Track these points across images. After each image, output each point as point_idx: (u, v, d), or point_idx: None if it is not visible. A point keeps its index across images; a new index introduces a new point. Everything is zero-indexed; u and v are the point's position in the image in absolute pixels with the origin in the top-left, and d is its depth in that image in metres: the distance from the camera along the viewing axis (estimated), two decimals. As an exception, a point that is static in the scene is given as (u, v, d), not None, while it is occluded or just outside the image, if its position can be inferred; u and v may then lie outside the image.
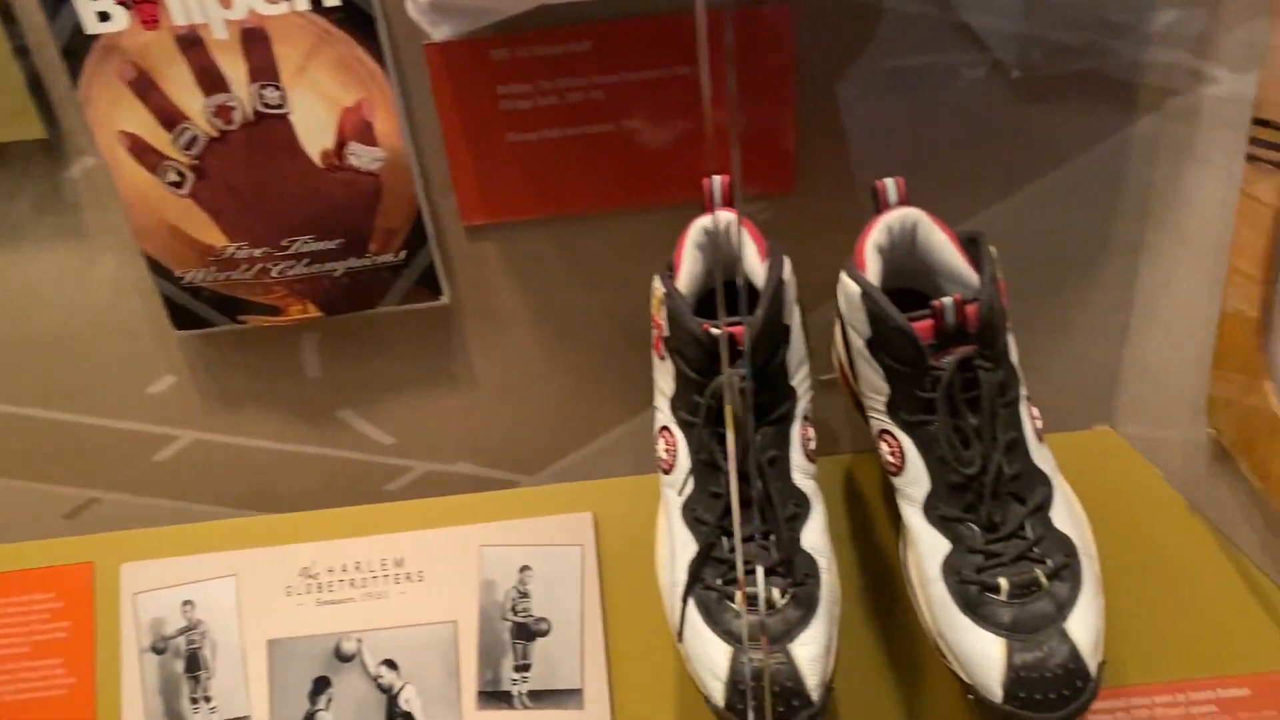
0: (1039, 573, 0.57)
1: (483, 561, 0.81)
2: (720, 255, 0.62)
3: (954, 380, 0.57)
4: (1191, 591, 0.79)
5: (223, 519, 0.85)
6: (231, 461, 0.84)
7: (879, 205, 0.63)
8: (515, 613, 0.80)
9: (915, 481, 0.61)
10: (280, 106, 0.69)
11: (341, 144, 0.70)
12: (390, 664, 0.79)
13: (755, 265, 0.61)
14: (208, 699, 0.79)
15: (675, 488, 0.62)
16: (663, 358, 0.62)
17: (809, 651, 0.57)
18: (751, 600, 0.58)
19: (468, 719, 0.78)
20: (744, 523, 0.59)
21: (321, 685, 0.79)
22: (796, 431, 0.61)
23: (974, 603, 0.57)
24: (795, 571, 0.58)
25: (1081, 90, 0.69)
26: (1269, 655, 0.77)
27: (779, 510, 0.58)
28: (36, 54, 0.68)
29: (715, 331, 0.57)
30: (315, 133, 0.70)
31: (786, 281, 0.58)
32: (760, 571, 0.57)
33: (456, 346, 0.78)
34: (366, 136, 0.70)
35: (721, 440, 0.59)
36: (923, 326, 0.57)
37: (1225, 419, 0.74)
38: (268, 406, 0.82)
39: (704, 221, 0.61)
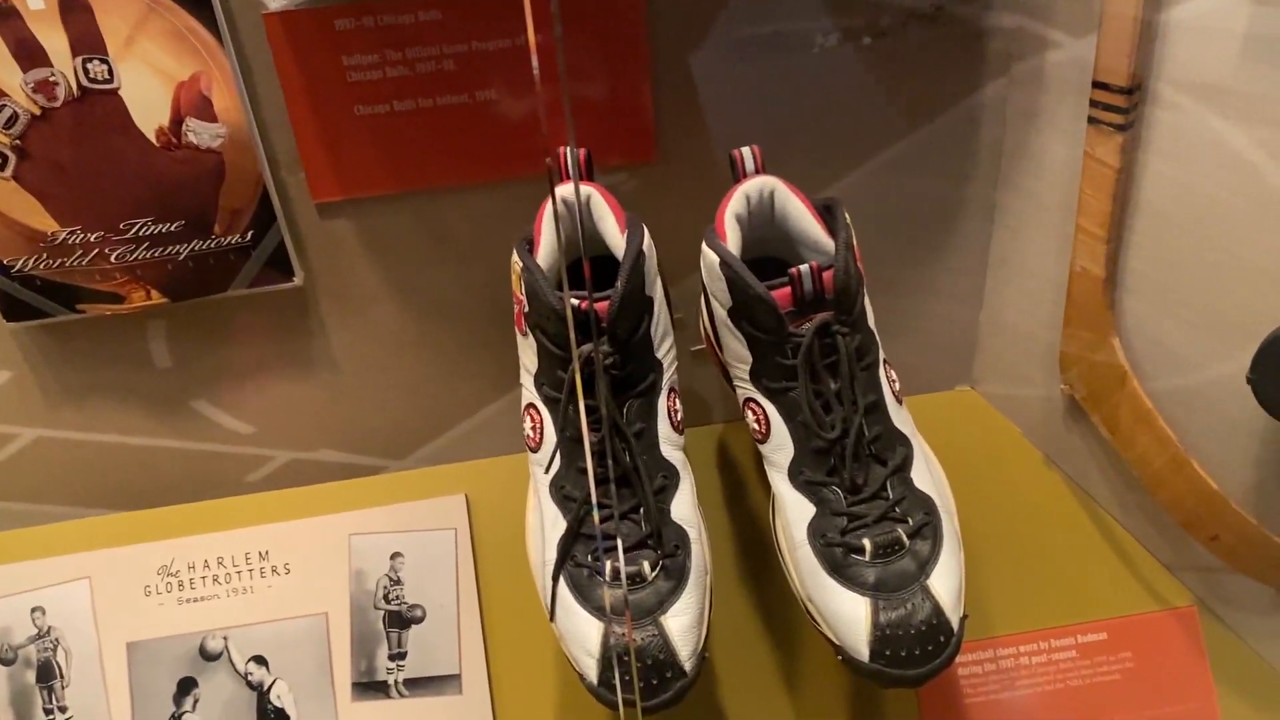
0: (901, 532, 0.58)
1: (352, 550, 0.79)
2: (578, 227, 0.61)
3: (813, 346, 0.58)
4: (1051, 543, 0.82)
5: (74, 519, 0.81)
6: (80, 459, 0.79)
7: (737, 174, 0.62)
8: (388, 601, 0.78)
9: (780, 448, 0.61)
10: (108, 81, 0.65)
11: (178, 120, 0.66)
12: (259, 660, 0.77)
13: (615, 237, 0.60)
14: (63, 709, 0.75)
15: (543, 465, 0.61)
16: (524, 334, 0.60)
17: (681, 622, 0.56)
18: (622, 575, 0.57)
19: (343, 711, 0.77)
20: (614, 498, 0.59)
21: (187, 686, 0.76)
22: (663, 403, 0.60)
23: (839, 565, 0.58)
24: (665, 543, 0.58)
25: (932, 56, 0.70)
26: (1124, 600, 0.81)
27: (646, 483, 0.58)
28: None
29: (575, 305, 0.56)
30: (149, 109, 0.66)
31: (646, 253, 0.57)
32: (620, 546, 0.56)
33: (314, 329, 0.75)
34: (205, 112, 0.66)
35: (587, 415, 0.58)
36: (781, 294, 0.57)
37: (1077, 374, 0.76)
38: (116, 399, 0.77)
39: (562, 192, 0.60)
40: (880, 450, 0.60)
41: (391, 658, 0.77)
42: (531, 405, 0.62)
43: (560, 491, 0.60)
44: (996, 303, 0.80)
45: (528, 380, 0.62)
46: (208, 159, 0.67)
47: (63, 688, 0.76)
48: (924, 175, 0.74)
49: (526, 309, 0.59)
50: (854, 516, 0.59)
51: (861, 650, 0.56)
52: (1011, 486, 0.83)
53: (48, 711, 0.75)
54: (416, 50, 0.65)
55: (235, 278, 0.72)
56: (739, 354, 0.61)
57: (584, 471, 0.59)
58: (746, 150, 0.62)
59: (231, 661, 0.77)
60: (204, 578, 0.78)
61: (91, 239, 0.69)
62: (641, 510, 0.58)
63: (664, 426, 0.60)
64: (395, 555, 0.79)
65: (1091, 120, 0.67)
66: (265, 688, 0.76)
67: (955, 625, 0.56)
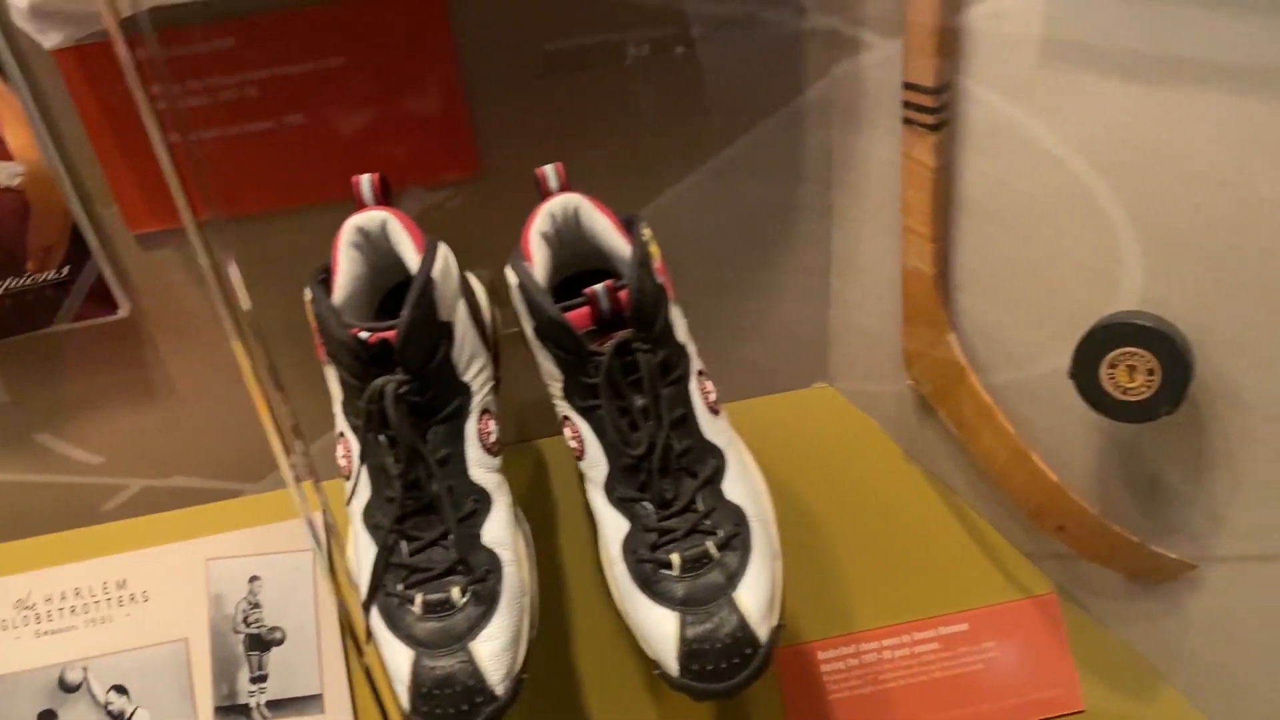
0: (710, 545, 0.58)
1: (210, 575, 0.78)
2: (380, 254, 0.60)
3: (613, 365, 0.57)
4: (912, 536, 0.83)
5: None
6: (-74, 498, 0.79)
7: (541, 193, 0.62)
8: (248, 624, 0.78)
9: (595, 464, 0.61)
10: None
11: (-32, 163, 0.66)
12: (120, 689, 0.77)
13: (414, 262, 0.59)
14: (-77, 748, 0.75)
15: (355, 493, 0.61)
16: (326, 362, 0.60)
17: (491, 647, 0.57)
18: (431, 606, 0.57)
19: (205, 736, 0.77)
20: (422, 526, 0.59)
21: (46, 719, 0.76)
22: (473, 427, 0.60)
23: (649, 580, 0.58)
24: (474, 569, 0.58)
25: (750, 62, 0.69)
26: (986, 590, 0.82)
27: (448, 511, 0.58)
28: None
29: (363, 336, 0.55)
30: (-63, 154, 0.65)
31: (436, 280, 0.57)
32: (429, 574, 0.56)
33: (150, 359, 0.75)
34: (-1, 151, 0.65)
35: (391, 444, 0.58)
36: (580, 314, 0.57)
37: (921, 371, 0.77)
38: (-43, 437, 0.77)
39: (356, 220, 0.60)
40: (690, 463, 0.60)
41: (253, 680, 0.77)
42: (343, 433, 0.61)
43: (371, 520, 0.60)
44: (843, 301, 0.80)
45: (337, 408, 0.62)
46: (8, 198, 0.67)
47: (-84, 729, 0.76)
48: (756, 179, 0.74)
49: (321, 339, 0.58)
50: (664, 531, 0.59)
51: (671, 665, 0.57)
52: (872, 481, 0.84)
53: (-89, 751, 0.75)
54: (218, 79, 0.64)
55: (57, 313, 0.71)
56: (551, 372, 0.61)
57: (391, 500, 0.58)
58: (549, 168, 0.62)
59: (92, 692, 0.77)
60: (61, 609, 0.77)
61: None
62: (451, 537, 0.58)
63: (474, 450, 0.60)
64: (253, 578, 0.79)
65: (906, 121, 0.67)
66: (126, 716, 0.77)
67: (763, 637, 0.57)
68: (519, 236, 0.61)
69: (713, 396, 0.63)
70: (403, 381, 0.56)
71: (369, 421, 0.57)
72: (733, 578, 0.57)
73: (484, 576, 0.58)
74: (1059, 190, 0.63)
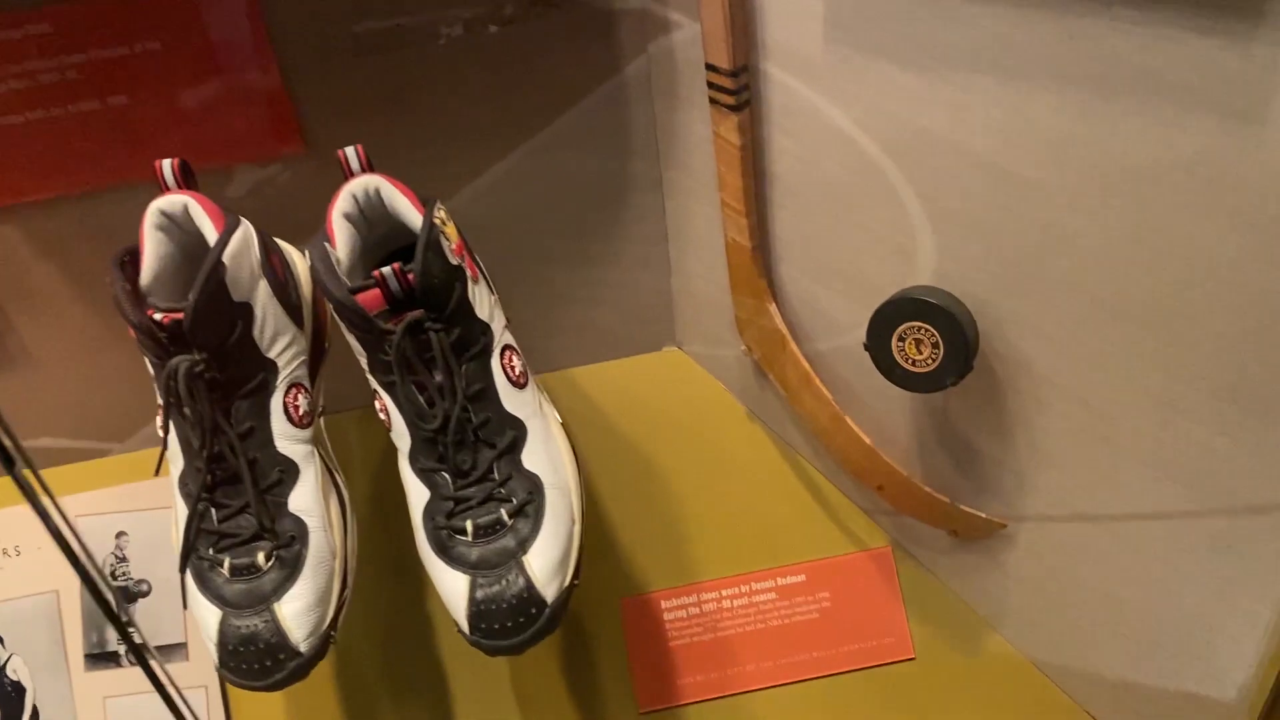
0: (504, 512, 0.61)
1: (78, 531, 0.82)
2: (187, 235, 0.63)
3: (404, 344, 0.60)
4: (755, 493, 0.87)
5: None
6: None
7: (344, 173, 0.64)
8: (115, 578, 0.82)
9: (401, 436, 0.64)
10: None
11: None
12: (-5, 638, 0.81)
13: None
14: None
15: (174, 461, 0.64)
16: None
17: (294, 607, 0.61)
18: (237, 569, 0.61)
19: (77, 681, 0.82)
20: (230, 495, 0.62)
21: (-76, 668, 0.81)
22: (278, 401, 0.63)
23: (445, 546, 0.62)
24: (280, 535, 0.62)
25: (566, 40, 0.71)
26: (824, 544, 0.86)
27: (248, 483, 0.61)
28: None
29: (157, 317, 0.58)
30: None
31: (228, 262, 0.59)
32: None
33: (1, 329, 0.78)
34: None
35: (196, 420, 0.61)
36: (372, 295, 0.60)
37: (750, 337, 0.79)
38: None
39: (159, 204, 0.62)
40: (489, 435, 0.63)
41: (121, 630, 0.82)
42: (160, 406, 0.64)
43: (185, 488, 0.63)
44: (683, 270, 0.83)
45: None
46: None
47: None
48: (585, 153, 0.75)
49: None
50: (460, 500, 0.62)
51: (464, 624, 0.61)
52: (717, 440, 0.87)
53: None
54: (36, 62, 0.66)
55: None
56: (356, 349, 0.64)
57: (200, 470, 0.62)
58: (350, 150, 0.64)
59: (-33, 641, 0.81)
60: (-65, 564, 0.82)
61: None
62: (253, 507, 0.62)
63: (279, 423, 0.63)
64: (120, 534, 0.83)
65: (711, 100, 0.68)
66: (1, 663, 0.81)
67: (550, 597, 0.60)
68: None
69: (517, 370, 0.65)
70: (197, 361, 0.59)
71: (168, 399, 0.60)
72: (524, 543, 0.61)
73: (289, 542, 0.62)
74: (856, 170, 0.65)
